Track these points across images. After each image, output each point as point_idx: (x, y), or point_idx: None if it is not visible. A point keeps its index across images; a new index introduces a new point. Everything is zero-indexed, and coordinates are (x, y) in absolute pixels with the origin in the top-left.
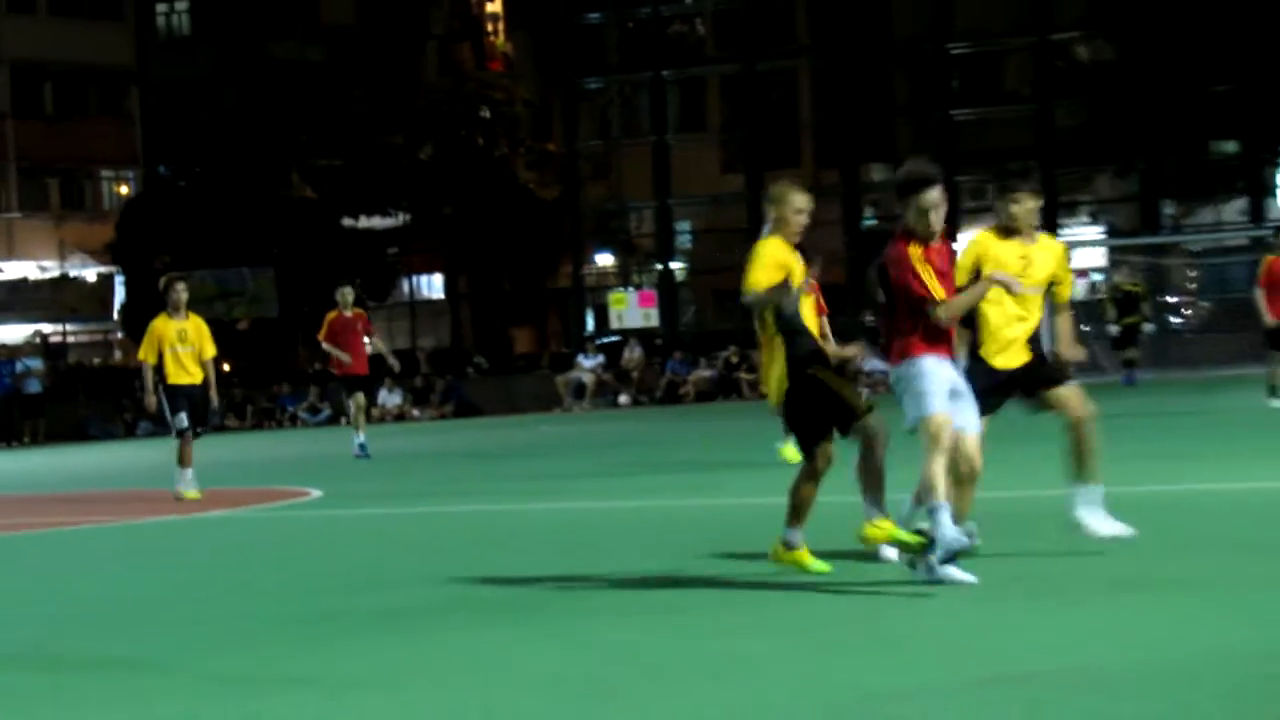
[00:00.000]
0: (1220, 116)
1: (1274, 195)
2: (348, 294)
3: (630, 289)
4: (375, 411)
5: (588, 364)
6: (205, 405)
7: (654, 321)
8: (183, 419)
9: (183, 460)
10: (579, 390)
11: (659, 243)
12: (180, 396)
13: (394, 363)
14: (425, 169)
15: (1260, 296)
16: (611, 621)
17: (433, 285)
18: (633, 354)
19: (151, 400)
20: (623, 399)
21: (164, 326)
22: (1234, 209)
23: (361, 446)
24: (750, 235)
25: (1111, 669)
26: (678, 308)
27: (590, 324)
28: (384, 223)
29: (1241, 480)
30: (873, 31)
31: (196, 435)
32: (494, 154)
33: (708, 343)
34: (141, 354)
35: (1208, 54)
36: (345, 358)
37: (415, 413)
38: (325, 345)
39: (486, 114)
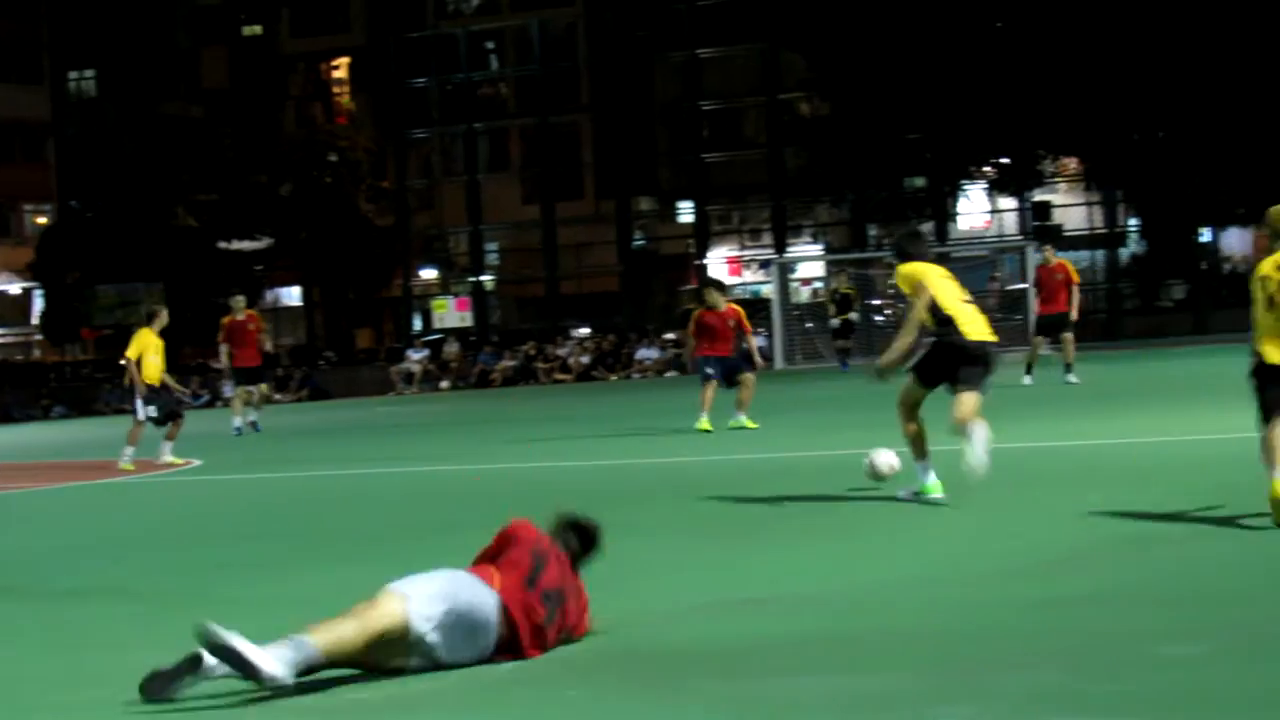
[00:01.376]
0: (912, 158)
1: (954, 220)
2: (239, 301)
3: (449, 297)
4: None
5: (415, 356)
6: (173, 398)
7: (468, 322)
8: (152, 410)
9: (131, 440)
10: (409, 378)
11: (472, 260)
12: (153, 393)
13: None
14: (285, 202)
15: (1033, 294)
16: (440, 557)
17: (291, 295)
18: (451, 348)
19: (142, 386)
20: (444, 384)
21: (150, 338)
22: (923, 230)
23: (254, 424)
24: (545, 255)
25: (816, 595)
26: (487, 311)
27: (417, 324)
28: (252, 245)
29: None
30: (640, 93)
31: (159, 423)
32: (340, 190)
33: (511, 339)
34: (131, 353)
35: (903, 109)
36: (224, 357)
37: (277, 397)
38: (221, 345)
39: (334, 158)
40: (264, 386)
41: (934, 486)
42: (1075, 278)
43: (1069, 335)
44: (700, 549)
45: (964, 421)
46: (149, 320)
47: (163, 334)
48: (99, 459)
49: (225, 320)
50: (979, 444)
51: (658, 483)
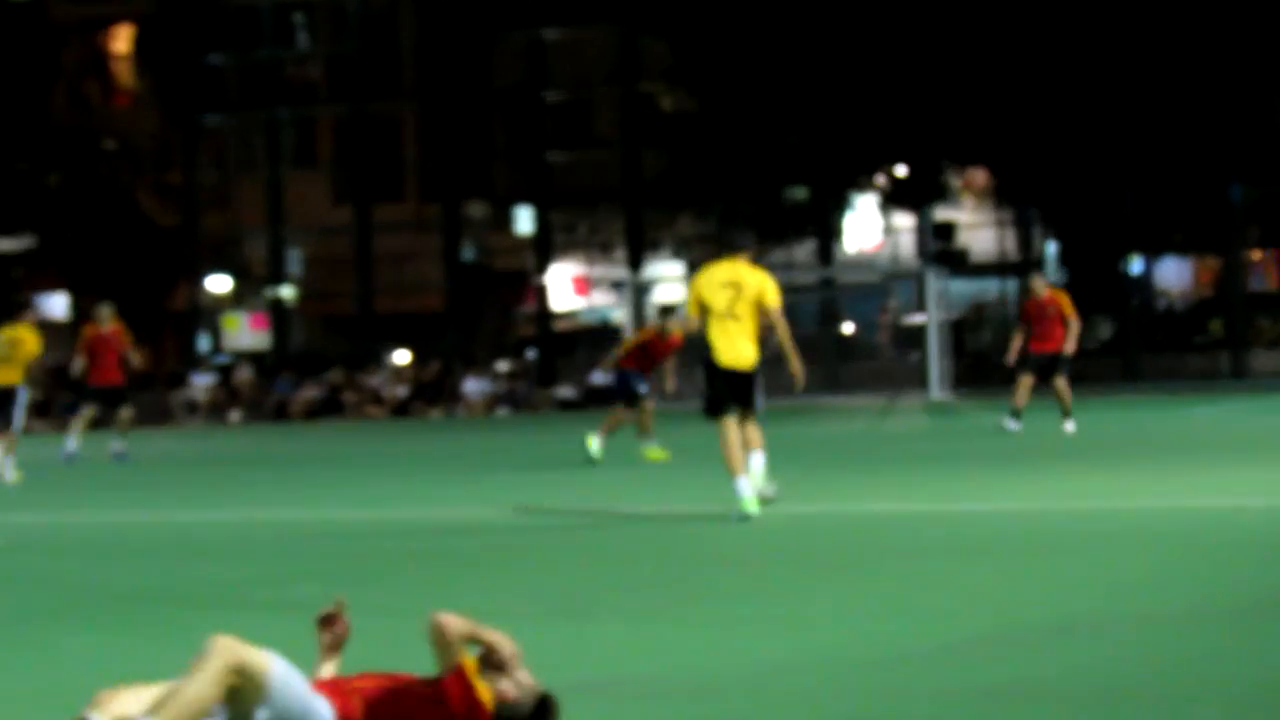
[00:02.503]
0: (791, 164)
1: (839, 239)
2: (106, 310)
3: (243, 313)
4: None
5: (201, 382)
6: None
7: (266, 344)
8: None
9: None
10: (192, 407)
11: (272, 270)
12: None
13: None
14: (52, 196)
15: (1019, 331)
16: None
17: (57, 305)
18: (244, 374)
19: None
20: (234, 416)
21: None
22: (804, 250)
23: (120, 454)
24: (359, 266)
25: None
26: (288, 331)
27: (205, 345)
28: (11, 245)
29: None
30: (474, 79)
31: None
32: (118, 184)
33: (315, 364)
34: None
35: (781, 106)
36: (77, 369)
37: (37, 425)
38: (77, 357)
39: (112, 146)
40: (126, 412)
41: (748, 502)
42: (1072, 312)
43: (1064, 380)
44: (533, 622)
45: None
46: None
47: None
48: None
49: (88, 331)
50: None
51: (482, 542)
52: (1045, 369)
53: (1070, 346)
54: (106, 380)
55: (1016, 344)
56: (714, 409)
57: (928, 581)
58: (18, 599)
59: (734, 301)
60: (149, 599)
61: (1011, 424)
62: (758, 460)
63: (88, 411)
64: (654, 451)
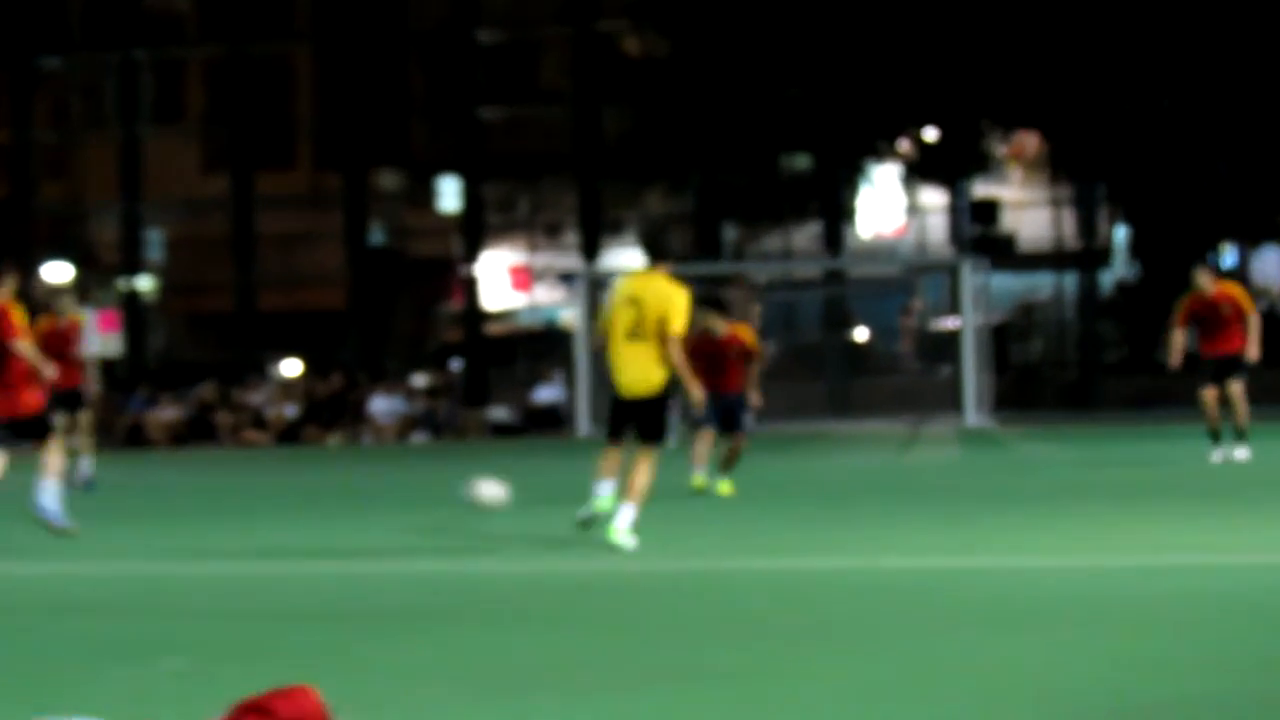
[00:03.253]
0: (791, 124)
1: (851, 221)
2: (67, 300)
3: (88, 308)
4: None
5: None
6: None
7: (117, 349)
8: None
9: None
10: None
11: (125, 255)
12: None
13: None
14: None
15: (1176, 332)
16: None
17: None
18: (88, 387)
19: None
20: (72, 440)
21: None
22: (806, 235)
23: (86, 482)
24: (236, 251)
25: None
26: (145, 333)
27: None
28: None
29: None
30: (387, 16)
31: None
32: None
33: (180, 375)
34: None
35: (778, 52)
36: (47, 370)
37: None
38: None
39: None
40: (88, 417)
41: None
42: (1250, 307)
43: (1238, 386)
44: (468, 702)
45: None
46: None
47: None
48: None
49: (45, 324)
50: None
51: (414, 601)
52: (1223, 371)
53: (1254, 350)
54: (62, 382)
55: (1179, 345)
56: (608, 435)
57: (959, 658)
58: None
59: (637, 321)
60: None
61: (1217, 454)
62: (625, 514)
63: (61, 421)
64: (705, 482)
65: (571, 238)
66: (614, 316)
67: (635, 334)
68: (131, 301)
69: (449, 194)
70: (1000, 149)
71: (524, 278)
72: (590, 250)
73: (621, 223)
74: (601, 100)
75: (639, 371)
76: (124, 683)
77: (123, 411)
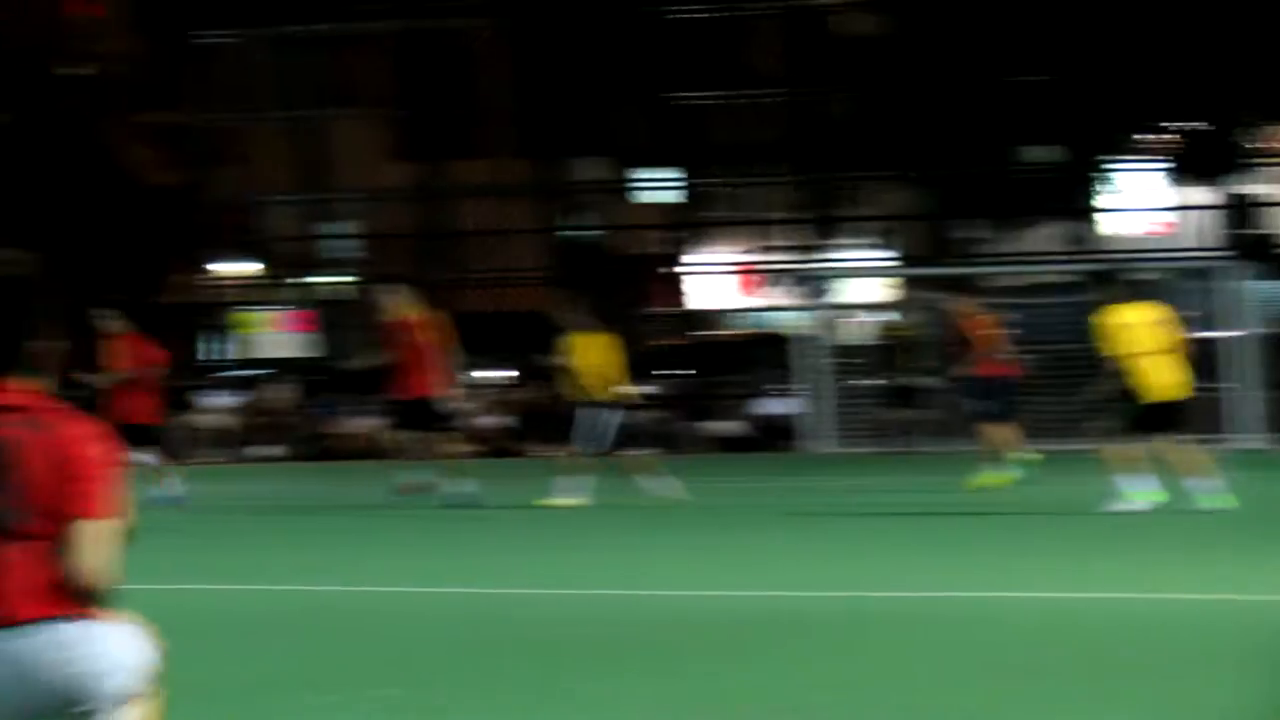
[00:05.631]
0: (1034, 114)
1: (1092, 219)
2: (112, 316)
3: (273, 308)
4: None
5: (218, 403)
6: None
7: (309, 351)
8: None
9: None
10: (196, 438)
11: (307, 248)
12: None
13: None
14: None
15: None
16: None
17: None
18: (278, 393)
19: None
20: (265, 450)
21: None
22: (1046, 236)
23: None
24: (432, 244)
25: None
26: (339, 335)
27: (215, 352)
28: None
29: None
30: None
31: None
32: (86, 124)
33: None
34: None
35: (1019, 32)
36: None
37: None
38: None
39: (88, 71)
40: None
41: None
42: None
43: None
44: None
45: None
46: None
47: None
48: None
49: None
50: None
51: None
52: None
53: None
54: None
55: None
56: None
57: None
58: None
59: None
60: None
61: None
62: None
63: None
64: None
65: (787, 234)
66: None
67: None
68: (328, 301)
69: (658, 185)
70: (1254, 141)
71: (748, 278)
72: (813, 248)
73: (845, 218)
74: (817, 85)
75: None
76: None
77: (313, 418)
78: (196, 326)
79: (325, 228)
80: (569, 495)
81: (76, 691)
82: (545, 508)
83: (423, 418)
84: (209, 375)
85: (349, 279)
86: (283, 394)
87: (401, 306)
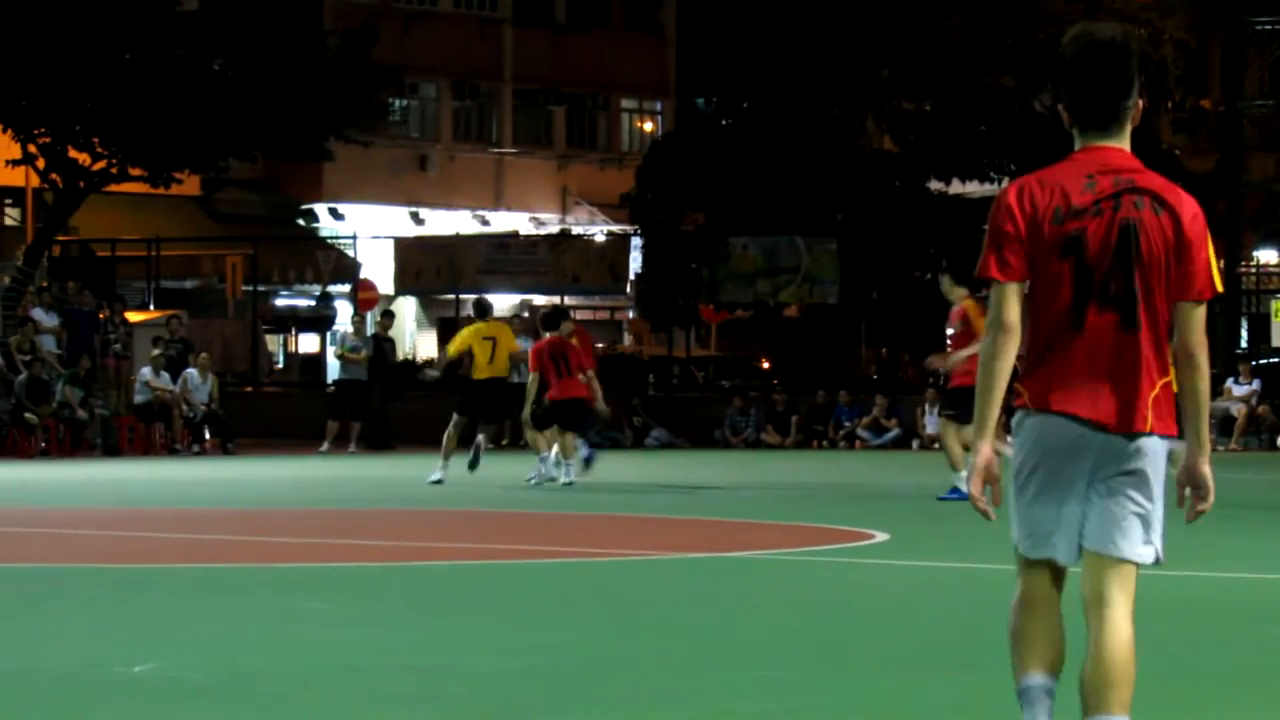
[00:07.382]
0: None
1: None
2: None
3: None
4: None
5: (1239, 391)
6: None
7: None
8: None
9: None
10: (1223, 424)
11: None
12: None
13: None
14: (1038, 120)
15: None
16: None
17: None
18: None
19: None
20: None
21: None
22: None
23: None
24: None
25: None
26: None
27: (1244, 339)
28: (982, 190)
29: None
30: None
31: None
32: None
33: None
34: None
35: None
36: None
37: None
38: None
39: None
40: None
41: None
42: None
43: None
44: None
45: None
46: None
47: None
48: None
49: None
50: None
51: None
52: None
53: None
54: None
55: None
56: None
57: None
58: None
59: None
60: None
61: None
62: None
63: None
64: None
65: None
66: None
67: None
68: None
69: None
70: None
71: None
72: None
73: None
74: None
75: None
76: None
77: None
78: (1231, 309)
79: None
80: None
81: None
82: None
83: None
84: (1239, 363)
85: None
86: None
87: None
